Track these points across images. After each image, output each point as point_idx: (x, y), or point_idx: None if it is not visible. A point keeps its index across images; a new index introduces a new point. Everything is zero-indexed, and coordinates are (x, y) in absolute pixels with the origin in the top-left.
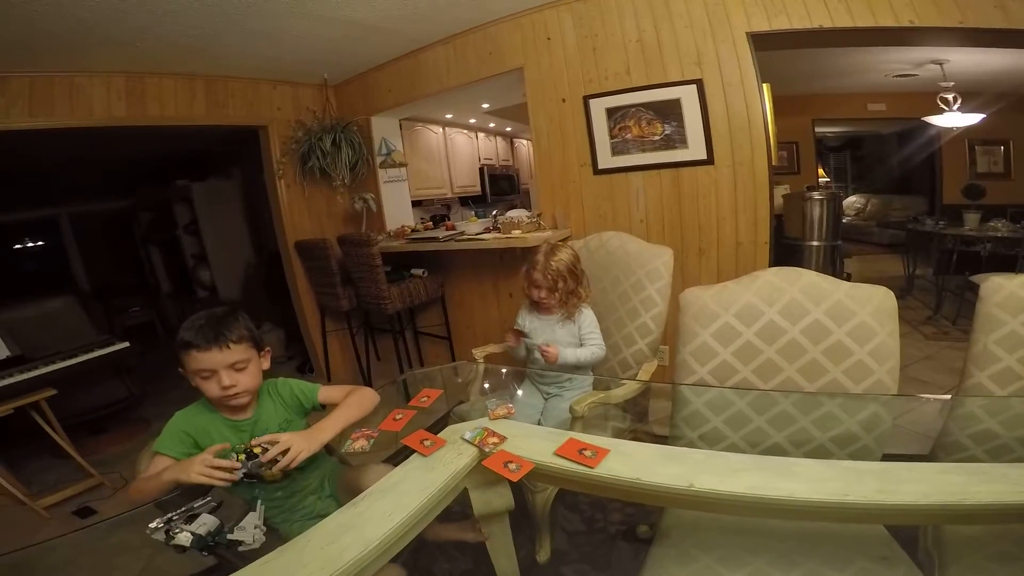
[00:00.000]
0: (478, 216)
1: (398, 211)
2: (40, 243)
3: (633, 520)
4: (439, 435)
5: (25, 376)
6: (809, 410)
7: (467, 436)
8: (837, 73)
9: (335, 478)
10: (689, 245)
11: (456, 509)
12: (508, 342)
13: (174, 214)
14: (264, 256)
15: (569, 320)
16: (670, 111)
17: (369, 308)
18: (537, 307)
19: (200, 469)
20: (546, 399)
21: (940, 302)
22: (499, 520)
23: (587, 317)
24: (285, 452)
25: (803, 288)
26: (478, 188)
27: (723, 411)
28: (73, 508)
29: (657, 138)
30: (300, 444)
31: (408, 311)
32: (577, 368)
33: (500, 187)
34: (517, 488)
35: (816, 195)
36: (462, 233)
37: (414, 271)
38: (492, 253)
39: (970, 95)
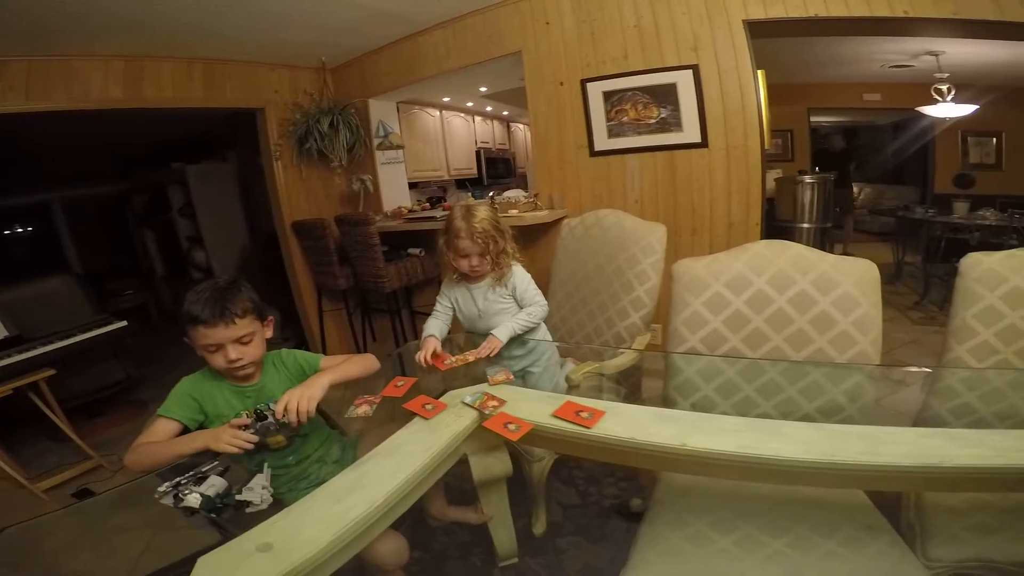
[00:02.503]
0: (475, 197)
1: (395, 193)
2: (32, 228)
3: (627, 494)
4: (440, 399)
5: (24, 356)
6: (796, 379)
7: (467, 400)
8: (833, 62)
9: (335, 446)
10: (682, 225)
11: (456, 486)
12: (434, 368)
13: (168, 197)
14: (260, 237)
15: (499, 284)
16: (666, 95)
17: (366, 287)
18: (465, 279)
19: (227, 439)
20: (523, 377)
21: (927, 288)
22: (497, 489)
23: (519, 275)
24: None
25: (791, 259)
26: (475, 171)
27: (714, 379)
28: (72, 490)
29: (653, 121)
30: (299, 392)
31: (405, 290)
32: (527, 333)
33: (497, 170)
34: (514, 459)
35: (807, 179)
36: None
37: (411, 250)
38: None
39: (964, 87)
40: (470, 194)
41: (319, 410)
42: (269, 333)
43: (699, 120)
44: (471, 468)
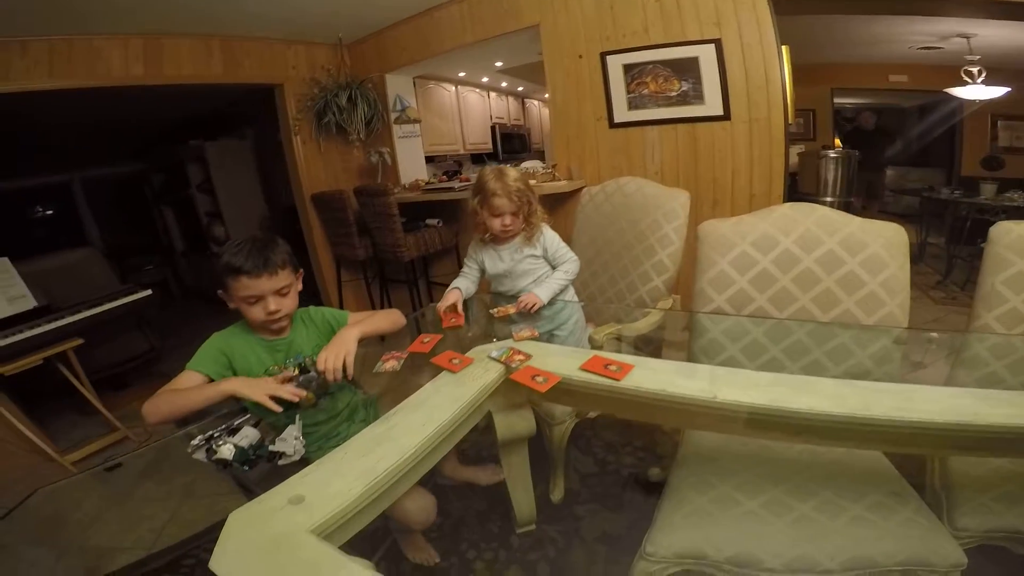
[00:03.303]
0: None
1: (412, 166)
2: (53, 208)
3: (645, 464)
4: (466, 354)
5: (53, 325)
6: (823, 341)
7: (494, 354)
8: (859, 42)
9: (360, 405)
10: (703, 196)
11: (472, 452)
12: (452, 324)
13: (187, 174)
14: (278, 211)
15: (529, 243)
16: (688, 69)
17: (385, 257)
18: (494, 240)
19: (269, 390)
20: (549, 341)
21: (950, 268)
22: (519, 451)
23: (549, 234)
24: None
25: (817, 221)
26: (490, 146)
27: (740, 339)
28: (99, 462)
29: (674, 94)
30: (335, 347)
31: (422, 260)
32: (561, 295)
33: (512, 145)
34: (536, 421)
35: (831, 153)
36: None
37: (429, 221)
38: None
39: (995, 70)
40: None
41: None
42: (300, 286)
43: (721, 93)
44: (495, 426)
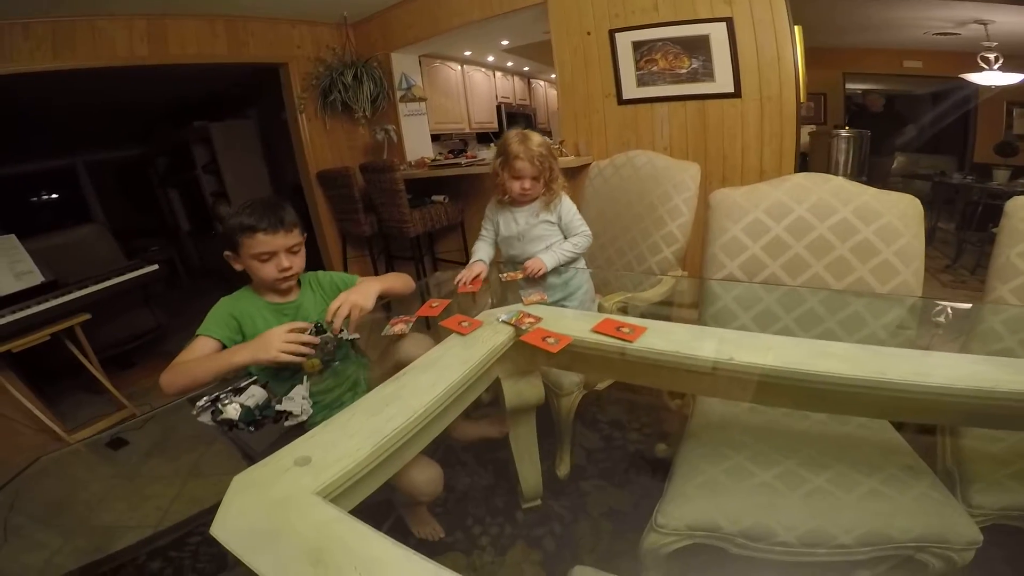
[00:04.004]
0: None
1: (418, 144)
2: (59, 192)
3: (651, 440)
4: (475, 317)
5: (61, 300)
6: (836, 309)
7: (503, 318)
8: (873, 27)
9: (364, 373)
10: (712, 173)
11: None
12: (468, 291)
13: (192, 155)
14: (283, 189)
15: (547, 209)
16: (698, 46)
17: (391, 233)
18: (512, 202)
19: (281, 345)
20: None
21: (960, 253)
22: (527, 420)
23: (567, 203)
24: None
25: (832, 190)
26: (495, 125)
27: (752, 307)
28: (106, 440)
29: (684, 71)
30: (352, 296)
31: (428, 236)
32: (571, 263)
33: (517, 125)
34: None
35: (843, 133)
36: (484, 160)
37: (435, 197)
38: None
39: (1012, 57)
40: (493, 143)
41: (348, 340)
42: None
43: (732, 71)
44: (503, 393)
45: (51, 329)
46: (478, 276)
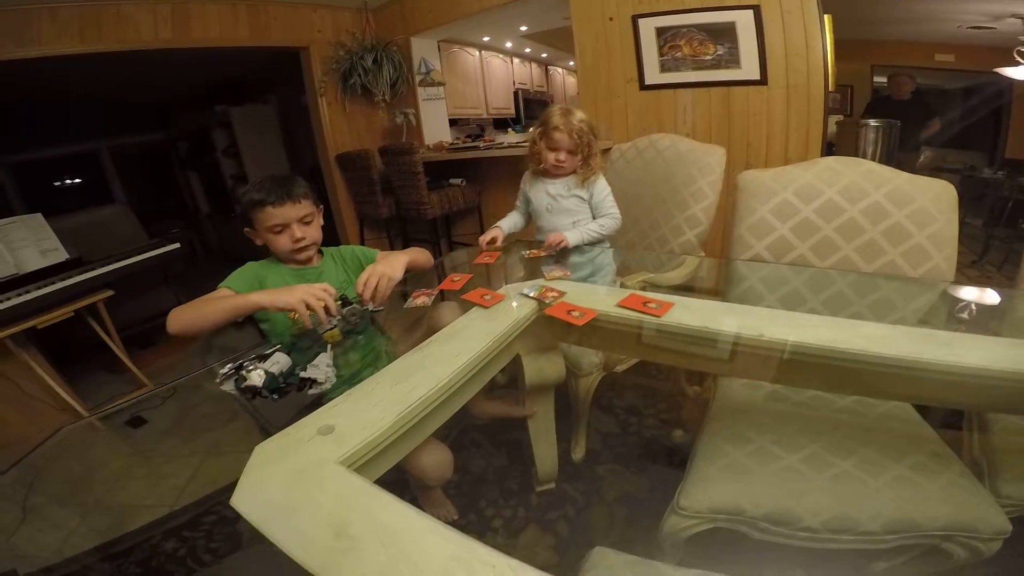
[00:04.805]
0: (516, 132)
1: (436, 128)
2: (82, 176)
3: (668, 427)
4: (498, 291)
5: (84, 276)
6: (865, 293)
7: (527, 291)
8: (904, 20)
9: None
10: (736, 159)
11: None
12: (484, 262)
13: (213, 139)
14: (303, 173)
15: (581, 185)
16: (723, 34)
17: (408, 215)
18: (545, 173)
19: (306, 296)
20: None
21: (987, 248)
22: (545, 399)
23: (601, 183)
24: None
25: (863, 174)
26: (512, 111)
27: (778, 289)
28: (126, 418)
29: (708, 58)
30: (381, 268)
31: (445, 219)
32: (595, 244)
33: (534, 111)
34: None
35: (872, 122)
36: (502, 143)
37: (453, 180)
38: None
39: None
40: (511, 128)
41: (372, 313)
42: (321, 220)
43: (759, 59)
44: (523, 371)
45: (75, 305)
46: (493, 239)
